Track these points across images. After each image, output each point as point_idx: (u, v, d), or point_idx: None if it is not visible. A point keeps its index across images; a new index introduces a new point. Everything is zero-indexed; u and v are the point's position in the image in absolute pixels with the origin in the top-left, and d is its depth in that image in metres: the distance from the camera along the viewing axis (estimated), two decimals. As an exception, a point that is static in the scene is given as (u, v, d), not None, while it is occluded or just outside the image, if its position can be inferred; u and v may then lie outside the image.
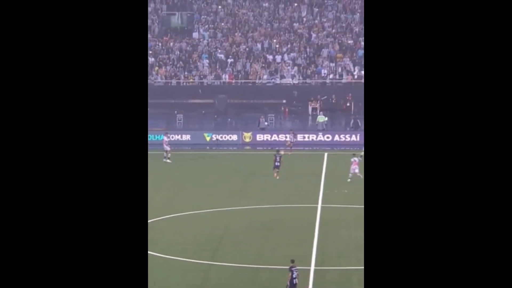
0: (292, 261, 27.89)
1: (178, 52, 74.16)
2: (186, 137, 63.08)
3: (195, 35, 76.60)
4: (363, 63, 72.03)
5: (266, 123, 64.87)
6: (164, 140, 54.14)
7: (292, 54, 73.61)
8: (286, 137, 58.62)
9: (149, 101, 70.38)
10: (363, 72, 71.43)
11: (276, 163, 47.83)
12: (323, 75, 72.09)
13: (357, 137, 61.81)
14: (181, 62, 73.10)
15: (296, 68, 72.45)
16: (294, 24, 77.01)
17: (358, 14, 77.44)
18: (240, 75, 72.35)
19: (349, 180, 46.00)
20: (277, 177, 47.59)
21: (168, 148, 53.66)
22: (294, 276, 27.17)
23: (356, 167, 46.29)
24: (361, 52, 72.89)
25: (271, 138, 62.48)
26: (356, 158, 46.80)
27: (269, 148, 59.96)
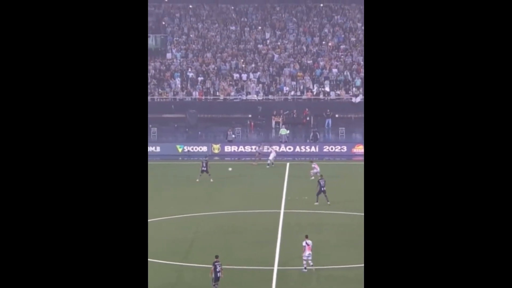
0: (216, 257, 28.80)
1: (152, 71, 74.00)
2: (161, 149, 62.96)
3: (168, 55, 76.55)
4: (321, 81, 72.31)
5: (233, 136, 64.94)
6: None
7: (257, 73, 73.73)
8: (254, 148, 59.00)
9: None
10: (321, 89, 71.68)
11: (203, 168, 50.19)
12: (285, 92, 72.24)
13: (316, 148, 62.06)
14: (155, 80, 72.95)
15: (260, 85, 72.57)
16: (259, 45, 77.17)
17: (317, 37, 77.75)
18: (209, 92, 72.34)
19: (312, 178, 48.92)
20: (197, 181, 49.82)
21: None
22: (218, 270, 28.23)
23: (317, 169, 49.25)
24: (319, 71, 73.16)
25: (238, 149, 62.61)
26: (315, 164, 50.15)
27: (236, 158, 59.94)
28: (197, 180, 49.81)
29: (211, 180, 49.45)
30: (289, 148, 62.66)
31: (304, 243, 31.62)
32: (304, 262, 31.43)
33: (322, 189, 43.20)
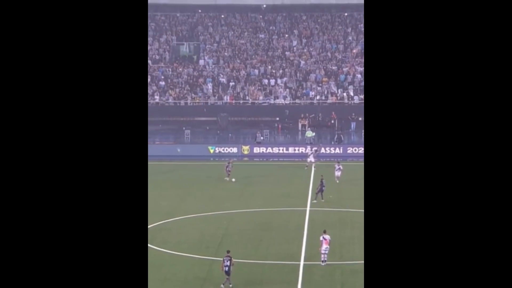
0: (228, 252, 28.83)
1: (186, 77, 74.13)
2: (194, 150, 63.12)
3: (201, 62, 76.62)
4: (345, 86, 72.03)
5: (262, 138, 64.94)
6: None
7: (284, 78, 73.60)
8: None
9: (160, 118, 70.48)
10: (345, 93, 71.41)
11: (228, 169, 50.26)
12: (310, 96, 72.08)
13: (340, 150, 61.83)
14: (188, 86, 73.06)
15: (287, 90, 72.44)
16: (286, 52, 77.02)
17: (341, 44, 77.50)
18: (239, 96, 72.31)
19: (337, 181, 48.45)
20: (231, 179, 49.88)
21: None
22: (225, 264, 28.08)
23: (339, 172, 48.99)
24: (343, 76, 72.89)
25: (266, 150, 62.54)
26: (339, 165, 49.50)
27: (265, 159, 59.81)
28: (226, 179, 50.04)
29: (233, 180, 49.75)
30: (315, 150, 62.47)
31: (321, 238, 31.55)
32: (322, 255, 31.31)
33: (323, 188, 43.63)
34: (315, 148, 56.80)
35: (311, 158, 54.32)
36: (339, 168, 49.54)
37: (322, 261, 31.35)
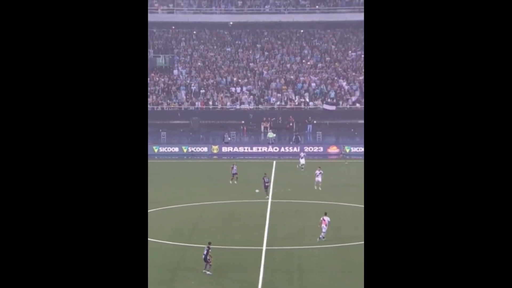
0: (209, 243, 28.22)
1: (162, 85, 73.77)
2: (168, 149, 62.91)
3: (175, 72, 76.32)
4: (302, 93, 72.17)
5: (229, 138, 64.94)
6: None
7: (248, 86, 73.58)
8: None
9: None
10: (302, 100, 71.55)
11: (233, 172, 47.69)
12: (271, 102, 72.12)
13: (297, 149, 61.93)
14: (164, 93, 72.73)
15: (251, 97, 72.43)
16: (250, 64, 77.00)
17: (298, 56, 77.65)
18: (209, 102, 72.15)
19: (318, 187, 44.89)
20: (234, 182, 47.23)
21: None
22: (205, 253, 27.71)
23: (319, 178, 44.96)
24: (300, 85, 73.04)
25: (233, 149, 62.62)
26: (320, 170, 45.26)
27: (232, 157, 59.80)
28: (231, 182, 47.28)
29: (235, 183, 47.12)
30: (275, 149, 62.62)
31: (321, 219, 32.77)
32: (322, 233, 32.48)
33: (266, 184, 43.21)
34: (304, 153, 55.92)
35: (302, 161, 52.64)
36: (320, 173, 45.54)
37: (321, 238, 32.48)
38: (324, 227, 32.57)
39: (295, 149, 61.98)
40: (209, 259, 27.62)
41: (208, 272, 27.51)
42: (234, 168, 47.18)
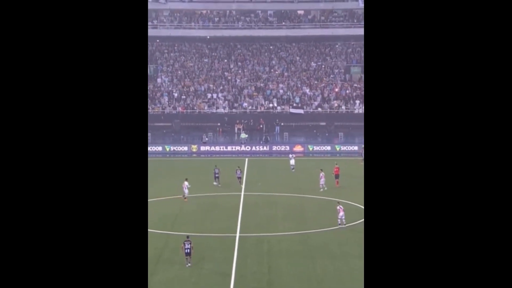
0: (187, 237, 27.66)
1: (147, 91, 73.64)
2: (153, 149, 62.75)
3: (159, 80, 76.11)
4: (270, 98, 72.40)
5: (206, 139, 64.87)
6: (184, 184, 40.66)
7: (223, 93, 73.63)
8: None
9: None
10: (270, 104, 71.78)
11: (216, 175, 44.97)
12: (244, 106, 72.27)
13: (267, 147, 62.19)
14: (149, 98, 72.53)
15: (226, 102, 72.51)
16: (225, 73, 77.08)
17: (267, 66, 77.88)
18: (189, 107, 72.09)
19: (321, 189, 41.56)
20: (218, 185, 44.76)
21: (186, 192, 40.34)
22: (186, 247, 26.98)
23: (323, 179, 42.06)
24: (269, 91, 73.26)
25: (210, 148, 62.56)
26: (322, 173, 42.30)
27: (209, 155, 59.81)
28: (215, 183, 44.82)
29: (219, 185, 44.60)
30: (248, 148, 62.74)
31: (338, 207, 33.20)
32: (339, 220, 32.75)
33: (238, 176, 43.82)
34: (293, 155, 54.26)
35: (292, 162, 50.62)
36: (323, 175, 42.21)
37: (340, 224, 32.75)
38: (341, 216, 32.78)
39: (264, 148, 62.32)
40: (191, 253, 26.90)
41: (189, 264, 27.01)
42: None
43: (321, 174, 42.46)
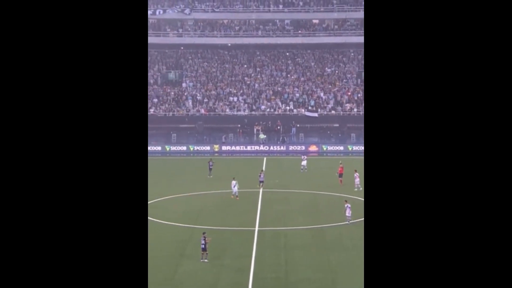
0: (204, 233, 27.06)
1: (172, 95, 73.73)
2: (179, 148, 62.92)
3: (183, 84, 76.25)
4: (287, 102, 72.25)
5: (225, 140, 64.91)
6: (232, 183, 39.31)
7: (243, 96, 73.60)
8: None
9: (154, 126, 69.93)
10: (287, 107, 71.63)
11: (210, 167, 46.34)
12: (262, 109, 72.18)
13: (284, 147, 62.09)
14: (174, 102, 72.69)
15: (246, 105, 72.45)
16: (245, 78, 77.03)
17: (284, 72, 77.74)
18: (211, 109, 72.14)
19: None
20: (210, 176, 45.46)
21: (235, 190, 38.97)
22: (202, 242, 26.48)
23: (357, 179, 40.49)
24: (286, 95, 73.09)
25: (231, 148, 62.62)
26: (356, 173, 40.61)
27: (230, 155, 59.80)
28: (209, 176, 46.09)
29: (211, 176, 45.92)
30: (266, 147, 62.73)
31: (345, 206, 32.57)
32: (347, 217, 32.21)
33: (261, 180, 42.35)
34: (305, 156, 53.24)
35: (304, 163, 49.93)
36: (357, 175, 40.53)
37: (348, 221, 32.28)
38: (348, 213, 32.10)
39: (282, 148, 62.20)
40: (206, 248, 26.33)
41: (205, 260, 26.34)
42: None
43: (355, 174, 40.77)
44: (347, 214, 32.49)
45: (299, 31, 78.56)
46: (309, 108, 71.45)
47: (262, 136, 65.15)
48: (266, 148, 62.75)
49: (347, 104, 71.33)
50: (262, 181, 42.49)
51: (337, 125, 69.19)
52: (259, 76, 77.46)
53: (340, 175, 43.14)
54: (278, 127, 69.24)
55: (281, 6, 78.31)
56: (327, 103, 71.94)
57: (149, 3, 76.60)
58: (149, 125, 65.27)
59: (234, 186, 39.06)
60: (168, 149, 62.63)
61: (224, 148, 62.45)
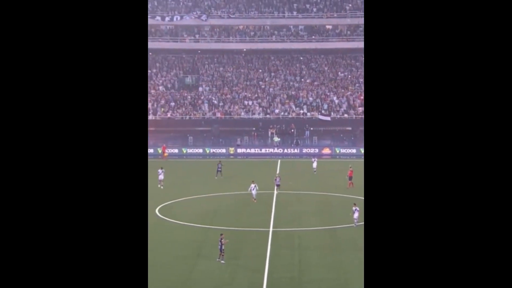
0: (221, 234, 26.71)
1: (189, 99, 73.92)
2: (195, 151, 63.04)
3: (200, 89, 76.42)
4: (301, 105, 72.16)
5: (243, 142, 64.88)
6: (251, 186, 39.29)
7: (258, 100, 73.61)
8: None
9: (172, 128, 70.52)
10: (301, 111, 71.54)
11: (218, 169, 46.34)
12: (277, 112, 72.12)
13: (298, 150, 61.99)
14: (191, 105, 72.88)
15: (261, 108, 72.45)
16: (260, 82, 77.05)
17: (298, 76, 77.66)
18: (227, 113, 72.22)
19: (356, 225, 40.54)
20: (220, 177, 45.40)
21: (254, 193, 38.96)
22: (219, 244, 26.18)
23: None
24: (300, 99, 73.01)
25: (245, 151, 62.67)
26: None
27: (245, 157, 59.83)
28: (216, 177, 46.59)
29: (218, 177, 46.21)
30: (280, 150, 62.70)
31: (353, 209, 32.29)
32: (355, 220, 31.94)
33: (277, 183, 41.75)
34: (315, 158, 52.75)
35: (314, 165, 49.92)
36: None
37: (355, 225, 31.98)
38: (356, 216, 31.76)
39: (295, 150, 62.09)
40: (223, 249, 26.14)
41: (222, 261, 26.10)
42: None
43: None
44: (354, 217, 32.25)
45: (313, 37, 78.48)
46: (322, 111, 71.33)
47: (276, 139, 65.12)
48: (280, 150, 62.72)
49: (360, 108, 71.09)
50: (279, 184, 42.19)
51: (350, 128, 68.98)
52: (273, 81, 77.44)
53: (350, 177, 43.10)
54: (292, 130, 69.16)
55: (295, 12, 78.33)
56: (340, 107, 71.75)
57: (167, 9, 76.99)
58: (166, 128, 65.88)
59: (253, 189, 38.80)
60: (184, 151, 62.82)
61: (239, 150, 62.49)
